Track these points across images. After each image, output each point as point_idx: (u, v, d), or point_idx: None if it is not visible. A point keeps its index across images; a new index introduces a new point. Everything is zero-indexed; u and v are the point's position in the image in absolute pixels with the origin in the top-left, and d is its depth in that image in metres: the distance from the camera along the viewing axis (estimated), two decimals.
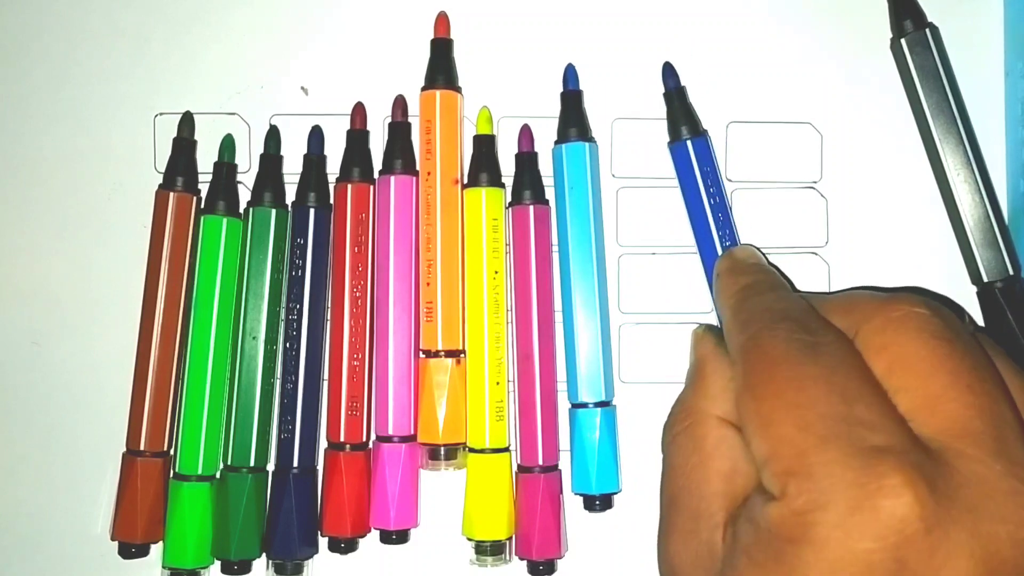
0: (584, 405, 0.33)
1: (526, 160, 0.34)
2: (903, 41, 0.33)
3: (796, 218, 0.35)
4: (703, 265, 0.34)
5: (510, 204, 0.34)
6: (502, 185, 0.34)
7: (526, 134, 0.35)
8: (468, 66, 0.35)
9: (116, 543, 0.34)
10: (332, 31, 0.36)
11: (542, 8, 0.35)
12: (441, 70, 0.34)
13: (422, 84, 0.34)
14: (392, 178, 0.34)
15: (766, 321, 0.26)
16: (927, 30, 0.33)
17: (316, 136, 0.35)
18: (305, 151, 0.35)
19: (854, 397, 0.23)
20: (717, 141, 0.35)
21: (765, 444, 0.24)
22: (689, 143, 0.33)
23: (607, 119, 0.35)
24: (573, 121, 0.34)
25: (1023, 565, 0.22)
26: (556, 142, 0.34)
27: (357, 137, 0.35)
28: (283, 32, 0.36)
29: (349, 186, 0.34)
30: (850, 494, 0.22)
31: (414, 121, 0.35)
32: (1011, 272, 0.33)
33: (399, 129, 0.35)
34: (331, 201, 0.35)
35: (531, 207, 0.34)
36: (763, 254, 0.33)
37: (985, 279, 0.33)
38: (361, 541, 0.34)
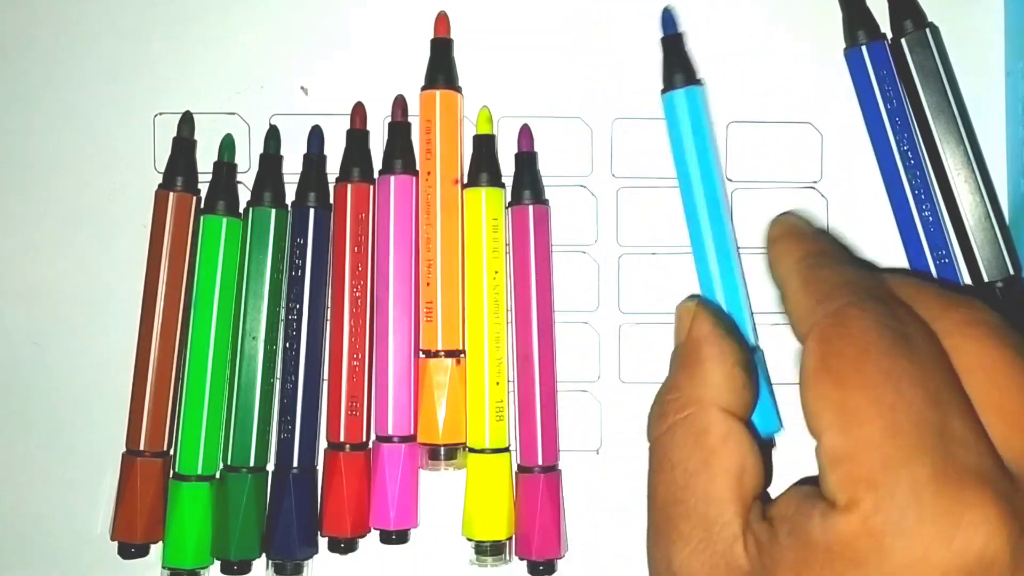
0: None
1: (526, 160, 0.34)
2: (903, 41, 0.33)
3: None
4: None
5: (510, 204, 0.34)
6: (502, 185, 0.34)
7: (526, 134, 0.35)
8: (468, 66, 0.35)
9: (116, 543, 0.34)
10: (332, 31, 0.36)
11: (542, 8, 0.35)
12: (441, 70, 0.34)
13: (422, 84, 0.34)
14: (392, 178, 0.34)
15: (851, 296, 0.23)
16: (927, 30, 0.33)
17: (316, 136, 0.35)
18: (305, 151, 0.35)
19: (948, 405, 0.21)
20: (718, 141, 0.35)
21: (843, 442, 0.21)
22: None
23: (607, 119, 0.35)
24: (677, 66, 0.34)
25: None
26: (663, 90, 0.34)
27: (357, 137, 0.35)
28: (283, 32, 0.36)
29: (349, 186, 0.34)
30: (938, 523, 0.19)
31: (414, 121, 0.35)
32: (1011, 272, 0.33)
33: (399, 129, 0.35)
34: (331, 201, 0.35)
35: (531, 207, 0.34)
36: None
37: (985, 279, 0.33)
38: (361, 541, 0.34)
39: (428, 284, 0.34)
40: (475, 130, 0.35)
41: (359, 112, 0.35)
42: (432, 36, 0.35)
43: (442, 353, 0.33)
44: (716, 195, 0.33)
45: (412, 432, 0.34)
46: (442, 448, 0.33)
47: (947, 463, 0.20)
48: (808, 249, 0.27)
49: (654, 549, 0.25)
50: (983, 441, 0.21)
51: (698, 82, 0.34)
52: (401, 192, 0.34)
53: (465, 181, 0.34)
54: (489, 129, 0.35)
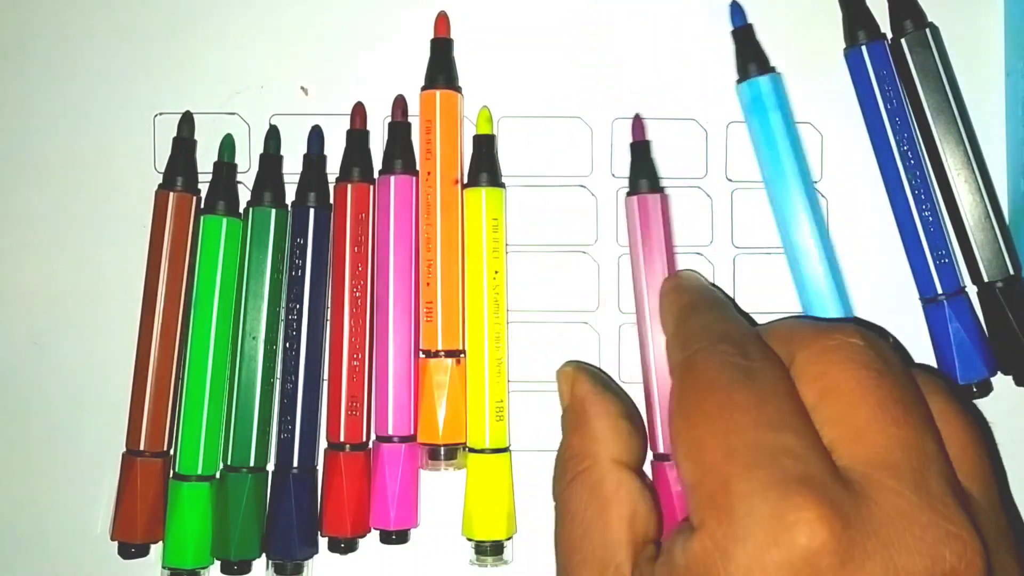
0: None
1: (640, 149, 0.34)
2: (903, 41, 0.33)
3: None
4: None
5: (628, 193, 0.34)
6: (502, 185, 0.34)
7: (638, 124, 0.34)
8: (468, 66, 0.35)
9: (116, 543, 0.34)
10: (332, 31, 0.36)
11: (542, 8, 0.35)
12: (441, 70, 0.34)
13: (422, 84, 0.34)
14: (392, 178, 0.34)
15: (704, 342, 0.26)
16: (927, 30, 0.33)
17: (316, 136, 0.35)
18: (305, 151, 0.35)
19: (781, 425, 0.23)
20: (717, 141, 0.35)
21: (693, 470, 0.24)
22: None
23: (607, 119, 0.35)
24: (751, 56, 0.34)
25: None
26: (737, 81, 0.34)
27: (357, 137, 0.35)
28: (283, 32, 0.36)
29: (349, 186, 0.34)
30: (766, 526, 0.22)
31: (414, 121, 0.35)
32: (1011, 272, 0.33)
33: (399, 129, 0.35)
34: (331, 201, 0.35)
35: (647, 197, 0.33)
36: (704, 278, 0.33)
37: (985, 279, 0.33)
38: (361, 541, 0.34)
39: (428, 284, 0.34)
40: (475, 130, 0.35)
41: (359, 112, 0.35)
42: (432, 36, 0.35)
43: (442, 353, 0.33)
44: (808, 180, 0.33)
45: (412, 432, 0.34)
46: (442, 448, 0.33)
47: (775, 475, 0.22)
48: (684, 302, 0.30)
49: None
50: (815, 453, 0.23)
51: (772, 69, 0.34)
52: (401, 192, 0.34)
53: (465, 181, 0.34)
54: (489, 129, 0.35)
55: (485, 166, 0.34)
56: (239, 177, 0.35)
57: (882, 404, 0.24)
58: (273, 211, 0.34)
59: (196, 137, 0.35)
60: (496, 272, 0.34)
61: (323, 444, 0.34)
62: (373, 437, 0.34)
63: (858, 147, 0.35)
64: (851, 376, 0.24)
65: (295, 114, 0.35)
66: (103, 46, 0.36)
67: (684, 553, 0.23)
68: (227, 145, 0.35)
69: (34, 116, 0.36)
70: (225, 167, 0.35)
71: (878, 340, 0.26)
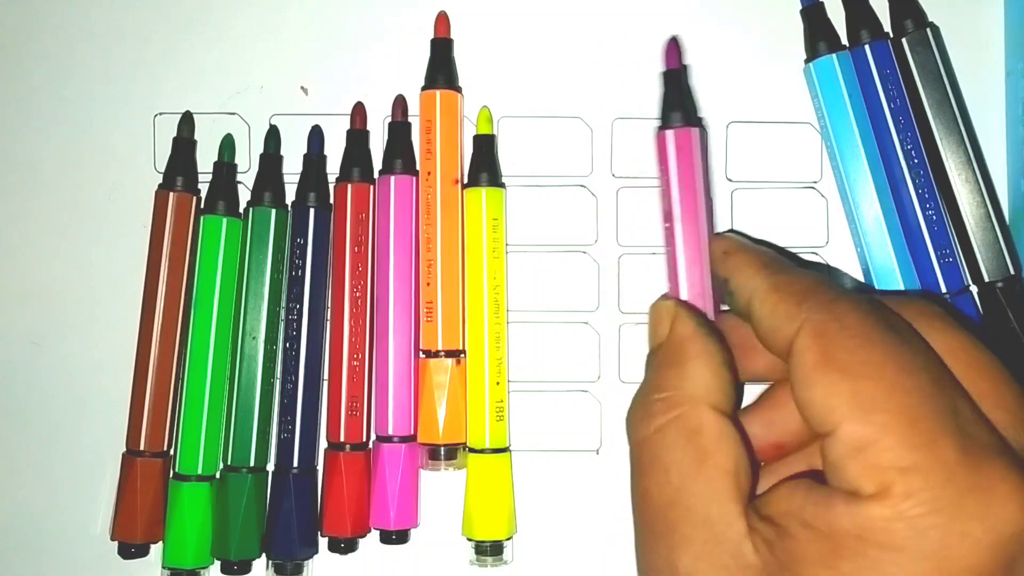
0: None
1: (672, 77, 0.31)
2: (904, 41, 0.33)
3: (796, 218, 0.35)
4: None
5: (659, 127, 0.30)
6: (502, 185, 0.34)
7: (672, 48, 0.31)
8: (468, 66, 0.35)
9: (116, 543, 0.34)
10: (332, 31, 0.36)
11: (542, 8, 0.35)
12: (441, 70, 0.34)
13: (422, 84, 0.34)
14: (392, 178, 0.34)
15: (835, 292, 0.24)
16: (928, 29, 0.33)
17: (316, 136, 0.35)
18: (305, 151, 0.35)
19: (952, 390, 0.22)
20: (717, 141, 0.35)
21: (862, 431, 0.21)
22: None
23: (607, 119, 0.35)
24: (821, 34, 0.33)
25: None
26: (806, 60, 0.34)
27: (357, 137, 0.35)
28: (283, 32, 0.36)
29: (349, 186, 0.34)
30: (972, 498, 0.20)
31: (414, 121, 0.35)
32: (1012, 272, 0.33)
33: (399, 129, 0.35)
34: (331, 201, 0.35)
35: (677, 131, 0.30)
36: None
37: (986, 279, 0.33)
38: (361, 541, 0.34)
39: (428, 284, 0.33)
40: (475, 130, 0.35)
41: (359, 112, 0.35)
42: (432, 36, 0.35)
43: (442, 353, 0.33)
44: (876, 154, 0.33)
45: (412, 432, 0.34)
46: (442, 448, 0.33)
47: (967, 442, 0.20)
48: (764, 259, 0.27)
49: (651, 555, 0.24)
50: (986, 419, 0.21)
51: (843, 47, 0.33)
52: (401, 192, 0.34)
53: (465, 181, 0.34)
54: (489, 129, 0.35)
55: (485, 166, 0.34)
56: (239, 177, 0.35)
57: (997, 368, 0.23)
58: (273, 211, 0.34)
59: (196, 137, 0.35)
60: (496, 273, 0.34)
61: (323, 444, 0.34)
62: (373, 437, 0.34)
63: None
64: (957, 341, 0.23)
65: (295, 114, 0.35)
66: (103, 46, 0.36)
67: (855, 520, 0.20)
68: (227, 145, 0.35)
69: (34, 116, 0.36)
70: (225, 167, 0.35)
71: (951, 308, 0.24)
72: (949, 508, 0.20)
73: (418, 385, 0.34)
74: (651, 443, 0.25)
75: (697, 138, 0.30)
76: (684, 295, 0.29)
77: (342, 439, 0.33)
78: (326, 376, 0.34)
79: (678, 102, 0.30)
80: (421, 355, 0.34)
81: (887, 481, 0.20)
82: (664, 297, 0.28)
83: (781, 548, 0.22)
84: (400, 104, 0.35)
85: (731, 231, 0.33)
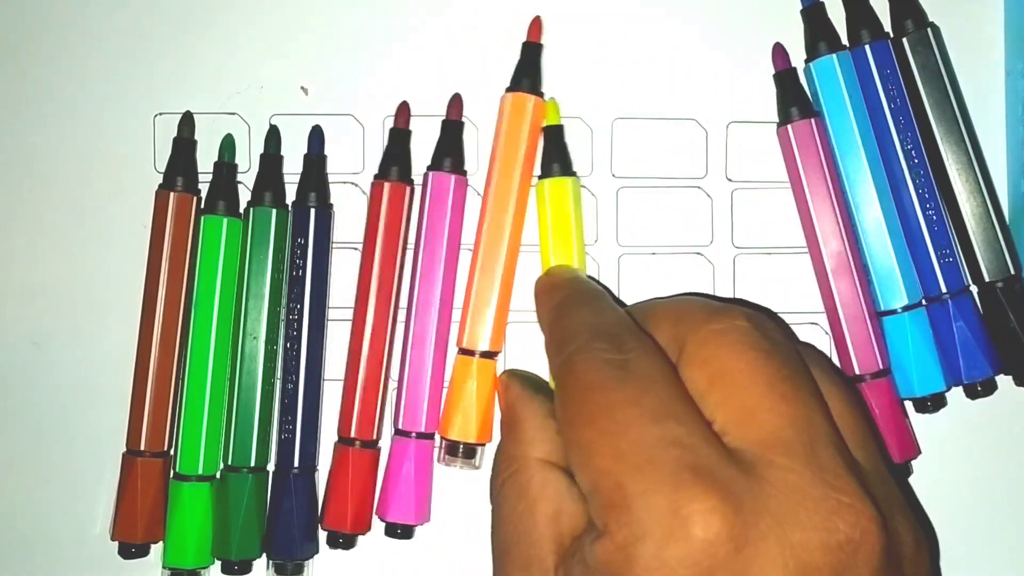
0: (893, 312, 0.33)
1: (787, 77, 0.34)
2: (904, 40, 0.33)
3: (796, 218, 0.35)
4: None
5: (779, 125, 0.34)
6: (574, 174, 0.34)
7: (779, 52, 0.34)
8: (469, 66, 0.35)
9: (116, 543, 0.34)
10: (332, 31, 0.36)
11: (541, 9, 0.35)
12: (527, 73, 0.34)
13: (507, 85, 0.34)
14: (436, 176, 0.34)
15: (579, 341, 0.26)
16: (928, 29, 0.33)
17: (316, 136, 0.35)
18: (305, 151, 0.35)
19: (664, 415, 0.23)
20: (717, 141, 0.35)
21: (587, 477, 0.24)
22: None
23: (607, 119, 0.35)
24: (821, 34, 0.34)
25: (837, 570, 0.22)
26: (806, 60, 0.34)
27: (398, 136, 0.34)
28: (283, 32, 0.36)
29: (386, 184, 0.34)
30: (664, 523, 0.22)
31: (466, 120, 0.35)
32: (1012, 272, 0.33)
33: (451, 128, 0.34)
34: (331, 201, 0.35)
35: (798, 124, 0.33)
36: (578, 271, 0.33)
37: (986, 279, 0.33)
38: (364, 539, 0.34)
39: (483, 283, 0.33)
40: (544, 123, 0.34)
41: (403, 111, 0.35)
42: (524, 40, 0.34)
43: (477, 353, 0.33)
44: (878, 158, 0.33)
45: (435, 428, 0.34)
46: (461, 445, 0.33)
47: (666, 469, 0.22)
48: (556, 301, 0.30)
49: None
50: (702, 438, 0.23)
51: (844, 47, 0.34)
52: (446, 191, 0.34)
53: (539, 173, 0.34)
54: (558, 119, 0.34)
55: (557, 156, 0.34)
56: (239, 177, 0.35)
57: (771, 383, 0.24)
58: (274, 211, 0.34)
59: (196, 137, 0.35)
60: (581, 257, 0.33)
61: (324, 444, 0.34)
62: (386, 433, 0.34)
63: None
64: (739, 358, 0.24)
65: (295, 114, 0.35)
66: (103, 46, 0.36)
67: (591, 556, 0.23)
68: (227, 145, 0.35)
69: (34, 116, 0.36)
70: (225, 167, 0.35)
71: (765, 320, 0.26)
72: (649, 535, 0.22)
73: (450, 381, 0.34)
74: (496, 498, 0.28)
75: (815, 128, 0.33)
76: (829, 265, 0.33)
77: (353, 434, 0.33)
78: (344, 373, 0.34)
79: (797, 97, 0.34)
80: (458, 353, 0.34)
81: (606, 519, 0.23)
82: (502, 372, 0.32)
83: None
84: (456, 103, 0.35)
85: (559, 265, 0.33)
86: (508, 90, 0.34)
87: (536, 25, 0.35)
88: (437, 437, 0.34)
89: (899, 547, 0.23)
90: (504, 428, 0.30)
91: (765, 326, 0.26)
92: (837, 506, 0.22)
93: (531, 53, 0.34)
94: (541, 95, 0.34)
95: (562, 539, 0.26)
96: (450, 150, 0.34)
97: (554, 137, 0.34)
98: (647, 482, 0.22)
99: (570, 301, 0.30)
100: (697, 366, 0.25)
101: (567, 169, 0.34)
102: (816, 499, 0.22)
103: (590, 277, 0.33)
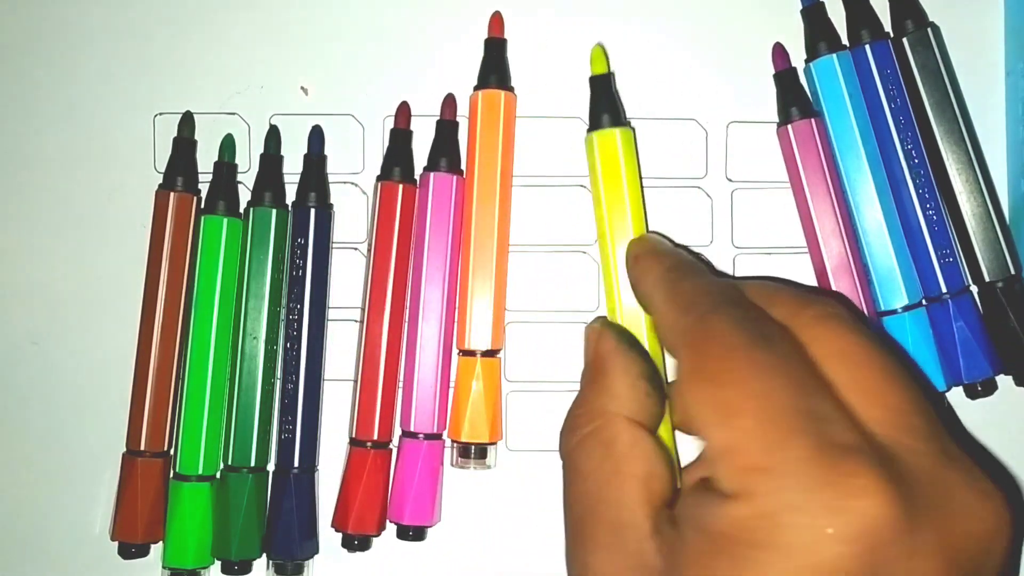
0: (893, 312, 0.33)
1: (787, 77, 0.34)
2: (905, 40, 0.33)
3: (796, 218, 0.35)
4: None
5: (779, 125, 0.34)
6: (628, 123, 0.33)
7: (779, 52, 0.34)
8: (468, 66, 0.35)
9: (116, 543, 0.34)
10: (332, 31, 0.36)
11: (541, 9, 0.35)
12: (493, 69, 0.34)
13: (474, 84, 0.34)
14: (437, 177, 0.34)
15: (710, 304, 0.25)
16: (928, 29, 0.33)
17: (316, 136, 0.35)
18: (305, 151, 0.35)
19: (812, 389, 0.23)
20: (717, 141, 0.35)
21: (726, 436, 0.22)
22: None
23: None
24: (821, 34, 0.34)
25: (982, 561, 0.21)
26: (806, 60, 0.34)
27: (400, 136, 0.34)
28: (283, 32, 0.36)
29: (391, 184, 0.34)
30: (825, 493, 0.20)
31: (461, 121, 0.35)
32: (1012, 272, 0.33)
33: (446, 128, 0.34)
34: (331, 201, 0.35)
35: (799, 123, 0.33)
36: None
37: (986, 278, 0.33)
38: (377, 540, 0.34)
39: (480, 283, 0.34)
40: (591, 71, 0.33)
41: (403, 112, 0.35)
42: (486, 36, 0.35)
43: (479, 353, 0.33)
44: (878, 158, 0.33)
45: (443, 429, 0.34)
46: (473, 447, 0.33)
47: (822, 440, 0.21)
48: (667, 264, 0.29)
49: (573, 558, 0.26)
50: (849, 418, 0.22)
51: (844, 47, 0.34)
52: (446, 191, 0.34)
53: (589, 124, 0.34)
54: (605, 68, 0.33)
55: (606, 107, 0.33)
56: (239, 177, 0.35)
57: (886, 368, 0.23)
58: (274, 211, 0.34)
59: (196, 137, 0.35)
60: (637, 210, 0.32)
61: (323, 443, 0.34)
62: (397, 435, 0.34)
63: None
64: (848, 341, 0.24)
65: (295, 114, 0.35)
66: (103, 46, 0.36)
67: (724, 520, 0.21)
68: (227, 145, 0.35)
69: (34, 116, 0.36)
70: (225, 167, 0.35)
71: (854, 308, 0.25)
72: (806, 504, 0.20)
73: (458, 383, 0.34)
74: (574, 454, 0.26)
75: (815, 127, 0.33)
76: (829, 265, 0.33)
77: (375, 437, 0.34)
78: (359, 374, 0.34)
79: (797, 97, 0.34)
80: (459, 354, 0.34)
81: (748, 482, 0.21)
82: (595, 320, 0.30)
83: (676, 550, 0.23)
84: (450, 103, 0.35)
85: (655, 232, 0.33)
86: (476, 88, 0.34)
87: (497, 20, 0.35)
88: (447, 439, 0.34)
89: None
90: (590, 378, 0.28)
91: (856, 313, 0.25)
92: (980, 495, 0.22)
93: (495, 48, 0.34)
94: (511, 89, 0.34)
95: (654, 504, 0.24)
96: (446, 150, 0.34)
97: (602, 87, 0.33)
98: (802, 450, 0.21)
99: (684, 267, 0.28)
100: (804, 347, 0.24)
101: (617, 120, 0.33)
102: (959, 487, 0.22)
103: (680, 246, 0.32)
